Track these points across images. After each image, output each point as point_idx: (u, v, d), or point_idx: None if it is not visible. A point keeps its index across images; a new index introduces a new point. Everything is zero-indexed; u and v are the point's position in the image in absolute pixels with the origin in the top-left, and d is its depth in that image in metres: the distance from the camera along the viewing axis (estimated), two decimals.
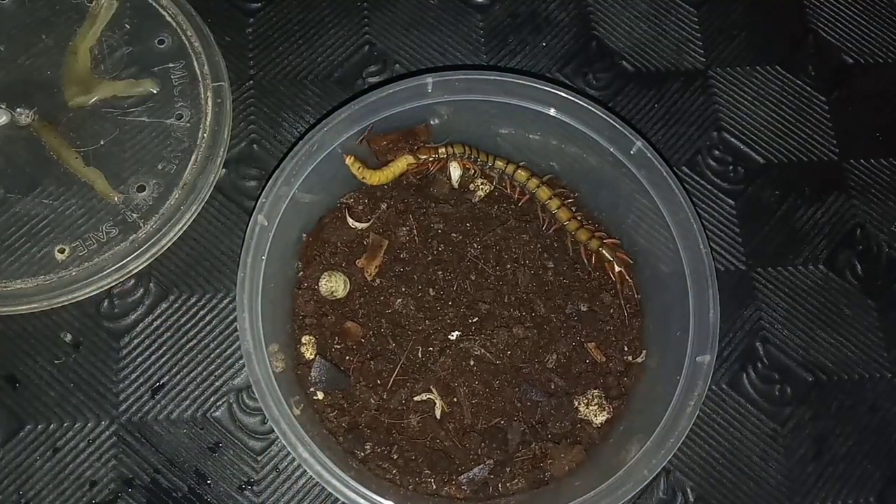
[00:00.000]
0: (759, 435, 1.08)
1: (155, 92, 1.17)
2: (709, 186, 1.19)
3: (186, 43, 1.18)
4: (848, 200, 1.18)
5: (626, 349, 1.09)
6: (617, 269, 1.10)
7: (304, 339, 1.06)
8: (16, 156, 1.13)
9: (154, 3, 1.19)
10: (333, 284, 1.07)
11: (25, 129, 1.13)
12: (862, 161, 1.20)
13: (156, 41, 1.20)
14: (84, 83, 1.15)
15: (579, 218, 1.13)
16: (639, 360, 1.09)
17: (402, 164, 1.11)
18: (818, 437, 1.08)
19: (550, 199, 1.12)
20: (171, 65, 1.18)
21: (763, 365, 1.11)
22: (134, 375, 1.06)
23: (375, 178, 1.10)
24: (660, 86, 1.22)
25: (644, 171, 1.03)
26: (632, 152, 1.03)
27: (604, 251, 1.10)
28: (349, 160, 1.07)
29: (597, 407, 1.03)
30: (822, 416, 1.09)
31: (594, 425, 1.03)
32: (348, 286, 1.08)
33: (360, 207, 1.13)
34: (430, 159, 1.11)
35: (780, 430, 1.08)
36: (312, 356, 1.03)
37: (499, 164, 1.13)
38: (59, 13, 1.17)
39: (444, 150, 1.11)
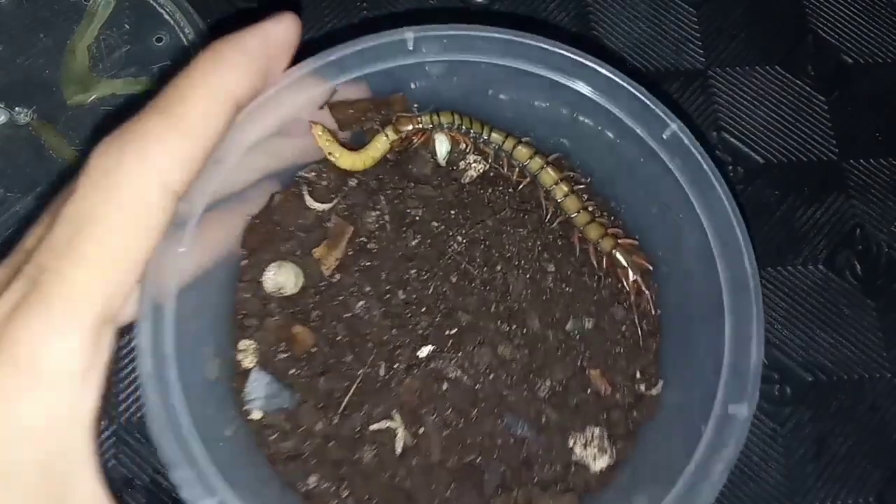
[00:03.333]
0: (758, 435, 1.10)
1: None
2: None
3: (185, 41, 1.21)
4: (847, 200, 1.21)
5: (637, 376, 0.93)
6: (632, 277, 0.93)
7: (243, 343, 0.90)
8: (15, 155, 1.15)
9: (152, 2, 1.21)
10: (282, 278, 0.91)
11: (24, 129, 1.15)
12: (861, 161, 1.23)
13: (154, 39, 1.21)
14: (83, 82, 1.17)
15: (591, 209, 0.95)
16: (653, 391, 0.92)
17: (383, 144, 0.92)
18: (818, 437, 1.10)
19: (557, 184, 0.94)
20: (169, 63, 1.20)
21: (763, 365, 1.08)
22: (134, 375, 1.07)
23: (348, 160, 0.92)
24: (659, 86, 1.24)
25: (678, 161, 0.85)
26: (664, 136, 0.85)
27: (618, 254, 0.93)
28: (317, 130, 0.89)
29: (597, 449, 0.89)
30: (822, 416, 1.11)
31: (592, 471, 0.89)
32: (301, 281, 0.92)
33: (324, 184, 0.95)
34: (414, 130, 0.92)
35: (779, 430, 1.10)
36: (251, 365, 0.90)
37: (495, 137, 0.95)
38: (57, 12, 1.19)
39: (428, 118, 0.93)
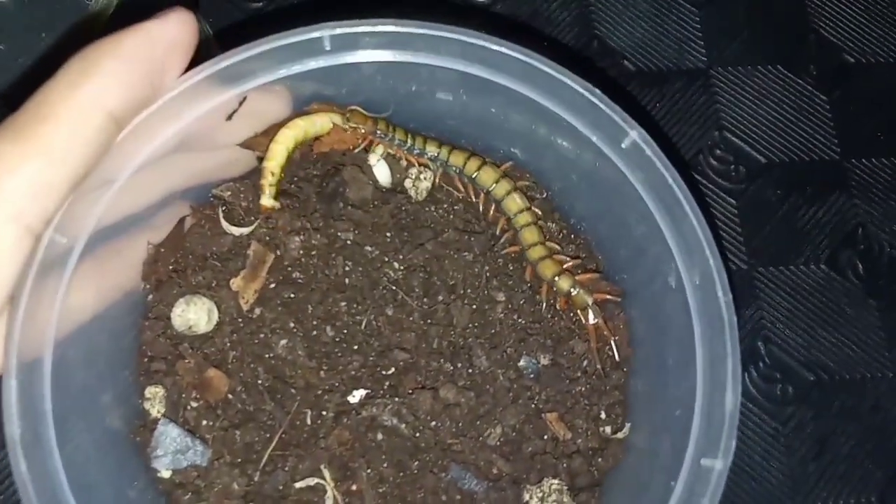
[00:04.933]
0: (760, 434, 1.09)
1: None
2: (710, 186, 1.20)
3: None
4: (849, 200, 1.21)
5: (602, 417, 0.84)
6: (592, 319, 0.83)
7: (150, 391, 0.81)
8: None
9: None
10: (193, 315, 0.81)
11: None
12: (863, 160, 1.23)
13: None
14: None
15: (548, 245, 0.85)
16: (619, 435, 0.83)
17: (322, 122, 0.82)
18: (820, 436, 1.10)
19: (522, 212, 0.84)
20: None
21: (765, 364, 1.12)
22: None
23: (283, 139, 0.81)
24: (661, 85, 1.24)
25: (640, 174, 0.75)
26: (623, 146, 0.75)
27: (576, 294, 0.82)
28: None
29: (555, 503, 0.79)
30: (824, 415, 1.11)
31: None
32: (215, 317, 0.82)
33: (243, 204, 0.85)
34: (361, 131, 0.83)
35: (781, 430, 1.09)
36: (159, 415, 0.81)
37: (456, 159, 0.85)
38: (58, 13, 1.17)
39: (384, 127, 0.83)
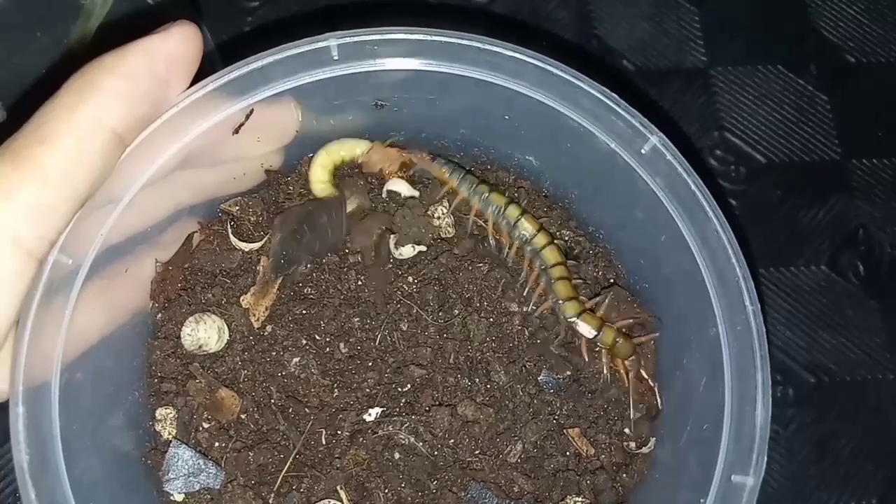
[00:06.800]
0: None
1: None
2: (710, 187, 1.11)
3: None
4: (850, 201, 1.21)
5: (626, 432, 0.82)
6: (632, 372, 0.80)
7: (160, 412, 0.79)
8: None
9: (150, 1, 1.15)
10: (203, 334, 0.79)
11: None
12: (864, 161, 1.23)
13: None
14: None
15: (581, 299, 0.81)
16: (644, 450, 0.81)
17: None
18: (820, 439, 1.10)
19: (555, 265, 0.81)
20: None
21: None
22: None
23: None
24: (661, 85, 1.25)
25: (661, 180, 0.73)
26: (643, 151, 0.73)
27: (620, 344, 0.80)
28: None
29: None
30: (825, 418, 1.11)
31: None
32: (225, 335, 0.80)
33: (252, 220, 0.83)
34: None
35: (782, 433, 1.09)
36: (170, 437, 0.79)
37: (511, 212, 0.82)
38: (53, 11, 1.13)
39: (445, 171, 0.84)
